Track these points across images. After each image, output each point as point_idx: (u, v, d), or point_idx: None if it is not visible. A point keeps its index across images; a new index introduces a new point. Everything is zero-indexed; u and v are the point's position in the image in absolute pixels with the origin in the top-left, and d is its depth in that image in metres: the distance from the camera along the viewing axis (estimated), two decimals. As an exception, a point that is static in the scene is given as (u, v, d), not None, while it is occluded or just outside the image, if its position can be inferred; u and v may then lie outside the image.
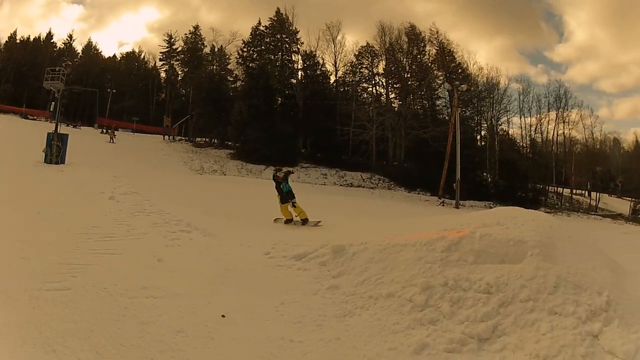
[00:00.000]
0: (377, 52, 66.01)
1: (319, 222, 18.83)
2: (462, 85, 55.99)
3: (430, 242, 10.66)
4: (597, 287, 9.27)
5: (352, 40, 76.77)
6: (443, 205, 46.02)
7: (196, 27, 71.70)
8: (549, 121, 66.65)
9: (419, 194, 53.70)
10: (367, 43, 66.39)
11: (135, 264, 10.66)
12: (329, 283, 10.03)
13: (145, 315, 7.98)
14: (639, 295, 10.10)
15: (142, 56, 76.59)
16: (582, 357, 7.67)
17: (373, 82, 66.55)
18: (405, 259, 10.38)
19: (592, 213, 60.74)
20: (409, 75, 65.25)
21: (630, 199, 64.84)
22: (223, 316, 8.18)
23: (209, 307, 8.55)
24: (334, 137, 58.88)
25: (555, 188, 66.06)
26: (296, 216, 19.56)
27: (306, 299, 9.32)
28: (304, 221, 19.20)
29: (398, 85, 65.42)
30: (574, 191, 67.97)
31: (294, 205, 19.50)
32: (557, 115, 66.43)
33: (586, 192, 68.36)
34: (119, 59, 76.36)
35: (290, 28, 66.57)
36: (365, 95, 66.73)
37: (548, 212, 47.93)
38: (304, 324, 8.30)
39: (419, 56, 65.60)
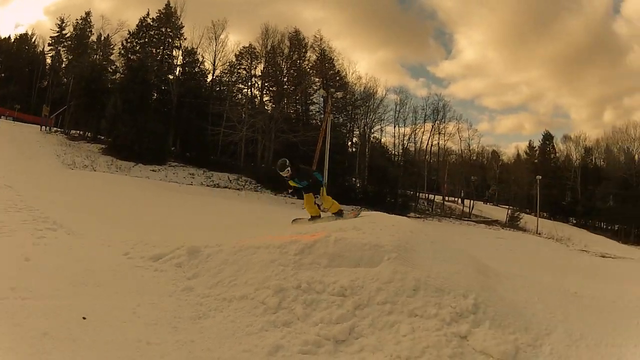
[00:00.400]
0: (258, 54, 66.62)
1: (361, 209, 16.75)
2: (338, 93, 56.98)
3: (283, 245, 10.81)
4: (462, 290, 9.62)
5: (236, 40, 76.58)
6: None
7: (88, 13, 70.44)
8: (424, 132, 69.58)
9: (285, 196, 53.95)
10: (250, 44, 67.03)
11: (5, 263, 10.33)
12: (184, 285, 10.01)
13: (16, 317, 7.70)
14: (513, 297, 10.62)
15: (33, 39, 74.70)
16: (450, 357, 7.92)
17: (249, 83, 67.26)
18: (259, 261, 10.47)
19: (465, 219, 63.40)
20: (286, 79, 66.26)
21: (507, 206, 68.43)
22: (84, 318, 7.96)
23: (71, 308, 8.30)
24: (204, 136, 59.17)
25: (427, 195, 68.47)
26: (324, 210, 16.11)
27: (162, 301, 9.24)
28: (338, 214, 15.35)
29: (274, 88, 66.29)
30: (447, 198, 70.62)
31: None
32: (433, 126, 69.52)
33: (459, 199, 70.59)
34: (13, 40, 74.14)
35: (177, 22, 66.14)
36: (240, 96, 67.29)
37: (418, 218, 51.89)
38: (160, 325, 8.23)
39: (298, 61, 66.74)
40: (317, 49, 67.36)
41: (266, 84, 67.48)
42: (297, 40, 67.42)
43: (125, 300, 8.92)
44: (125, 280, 10.06)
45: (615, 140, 77.46)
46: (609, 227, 74.10)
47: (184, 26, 66.43)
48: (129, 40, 66.03)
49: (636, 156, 74.75)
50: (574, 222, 74.44)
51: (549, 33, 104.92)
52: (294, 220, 15.78)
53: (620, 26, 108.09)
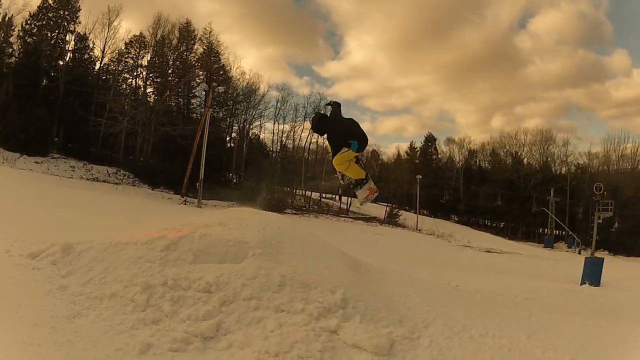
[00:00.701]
0: (147, 43, 64.72)
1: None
2: (219, 87, 56.22)
3: (150, 241, 10.67)
4: (329, 285, 9.80)
5: (128, 27, 74.55)
6: (185, 204, 46.46)
7: (-1, -7, 66.53)
8: (303, 129, 69.82)
9: (162, 191, 53.79)
10: (141, 33, 64.88)
11: None
12: (59, 283, 9.77)
13: None
14: (386, 291, 11.10)
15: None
16: (320, 352, 8.04)
17: (135, 73, 65.29)
18: (127, 257, 10.31)
19: (343, 215, 64.19)
20: (170, 71, 64.83)
21: (386, 204, 68.86)
22: (-28, 321, 7.89)
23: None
24: (87, 127, 57.02)
25: (304, 191, 68.86)
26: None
27: (40, 300, 9.04)
28: (358, 183, 11.30)
29: (159, 79, 64.65)
30: (324, 195, 71.27)
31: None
32: None
33: (337, 197, 71.40)
34: None
35: (75, 5, 63.04)
36: (125, 87, 65.14)
37: (295, 214, 52.55)
38: (40, 326, 8.05)
39: (185, 53, 65.49)
40: (205, 41, 66.39)
41: (151, 75, 65.75)
42: (187, 32, 65.92)
43: (8, 300, 8.76)
44: (7, 279, 9.85)
45: (502, 144, 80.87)
46: (494, 225, 78.18)
47: (80, 9, 63.35)
48: (28, 22, 62.06)
49: (525, 160, 78.69)
50: (457, 219, 77.81)
51: (445, 42, 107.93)
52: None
53: (523, 40, 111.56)
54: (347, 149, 10.80)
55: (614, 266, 35.80)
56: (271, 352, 7.78)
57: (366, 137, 11.00)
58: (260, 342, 8.05)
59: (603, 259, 27.37)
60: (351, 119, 11.23)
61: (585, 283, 24.88)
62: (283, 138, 69.79)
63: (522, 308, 13.90)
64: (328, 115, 11.44)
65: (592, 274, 25.18)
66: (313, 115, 12.51)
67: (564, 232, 73.03)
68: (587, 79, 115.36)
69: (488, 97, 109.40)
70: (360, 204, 13.79)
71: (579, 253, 59.03)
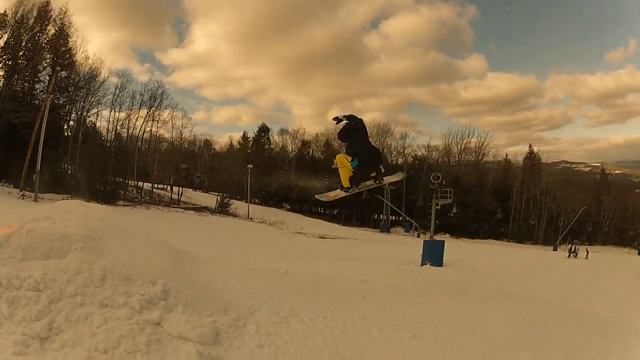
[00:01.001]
0: (8, 22, 60.62)
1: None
2: (62, 72, 54.29)
3: None
4: (150, 277, 9.86)
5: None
6: (24, 199, 44.78)
7: None
8: (138, 118, 69.01)
9: (2, 185, 51.31)
10: (5, 11, 60.68)
11: None
12: None
13: None
14: (209, 280, 11.43)
15: None
16: (146, 345, 8.21)
17: (-9, 55, 61.42)
18: None
19: (174, 206, 64.64)
20: (22, 54, 61.28)
21: (217, 193, 70.66)
22: None
23: None
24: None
25: (136, 182, 68.19)
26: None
27: None
28: (341, 187, 13.84)
29: (10, 62, 60.74)
30: (156, 185, 70.86)
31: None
32: (147, 113, 69.33)
33: (168, 187, 71.01)
34: None
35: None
36: (-20, 70, 61.18)
37: (127, 206, 52.93)
38: None
39: (38, 34, 62.12)
40: (58, 22, 63.46)
41: (4, 57, 60.92)
42: (44, 12, 62.41)
43: None
44: None
45: (335, 135, 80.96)
46: (327, 212, 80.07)
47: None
48: None
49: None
50: (288, 207, 79.86)
51: (292, 36, 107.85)
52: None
53: (372, 39, 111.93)
54: (351, 160, 13.17)
55: (457, 248, 38.40)
56: (100, 349, 7.94)
57: (372, 166, 13.61)
58: (89, 339, 8.15)
59: (444, 241, 28.38)
60: (376, 149, 14.36)
61: (426, 264, 25.83)
62: (118, 127, 68.53)
63: (356, 290, 14.32)
64: (357, 128, 13.37)
65: (433, 256, 26.38)
66: (345, 122, 13.35)
67: (400, 218, 76.16)
68: (434, 79, 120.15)
69: (328, 91, 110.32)
70: (317, 195, 14.71)
71: (418, 237, 61.69)
